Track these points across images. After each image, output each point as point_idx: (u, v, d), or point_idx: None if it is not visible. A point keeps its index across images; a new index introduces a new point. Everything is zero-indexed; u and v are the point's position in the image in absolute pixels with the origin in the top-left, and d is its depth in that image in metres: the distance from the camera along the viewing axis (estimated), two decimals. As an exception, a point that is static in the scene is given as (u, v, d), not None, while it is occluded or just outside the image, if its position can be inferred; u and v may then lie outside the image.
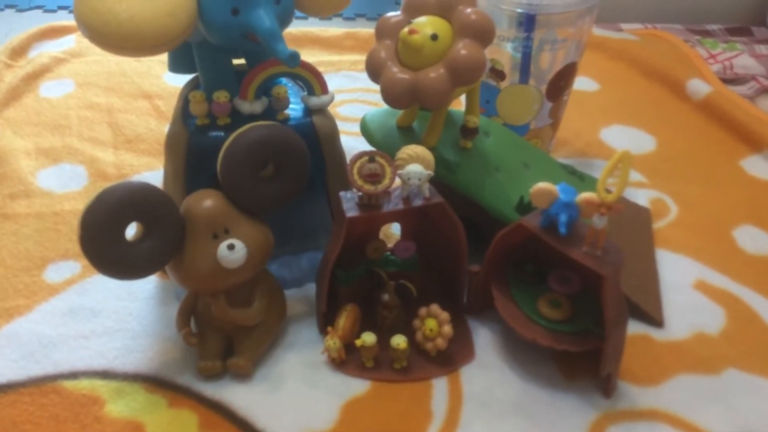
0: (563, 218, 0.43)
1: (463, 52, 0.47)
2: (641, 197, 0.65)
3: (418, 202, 0.47)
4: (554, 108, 0.64)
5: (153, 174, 0.65)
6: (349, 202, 0.47)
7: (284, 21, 0.49)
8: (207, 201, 0.46)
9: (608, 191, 0.42)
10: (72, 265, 0.55)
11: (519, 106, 0.62)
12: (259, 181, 0.47)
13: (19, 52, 0.82)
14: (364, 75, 0.82)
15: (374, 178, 0.45)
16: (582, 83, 0.81)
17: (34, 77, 0.77)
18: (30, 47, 0.83)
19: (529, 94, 0.61)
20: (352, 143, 0.69)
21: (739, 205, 0.64)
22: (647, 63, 0.84)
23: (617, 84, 0.82)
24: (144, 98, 0.75)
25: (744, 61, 0.86)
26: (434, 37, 0.47)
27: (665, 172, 0.68)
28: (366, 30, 0.90)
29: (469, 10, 0.48)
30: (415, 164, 0.46)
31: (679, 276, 0.57)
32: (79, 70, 0.78)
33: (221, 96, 0.50)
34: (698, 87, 0.78)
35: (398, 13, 0.52)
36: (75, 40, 0.83)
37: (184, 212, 0.46)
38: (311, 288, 0.55)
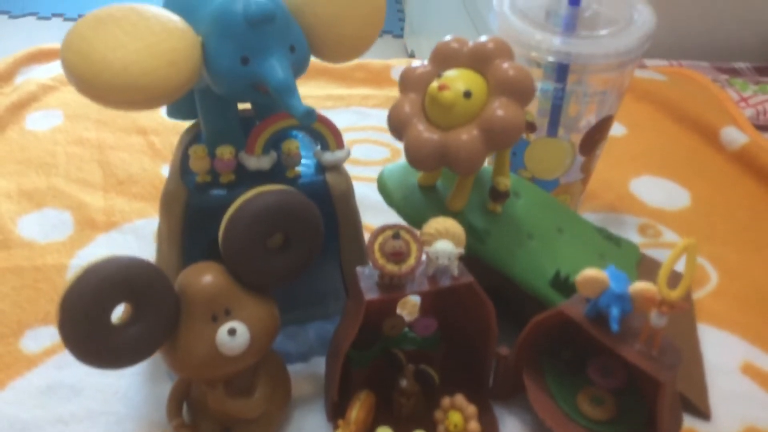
0: (615, 313, 0.37)
1: (499, 112, 0.41)
2: (678, 261, 0.59)
3: (445, 282, 0.41)
4: (586, 162, 0.58)
5: (145, 222, 0.60)
6: (367, 280, 0.41)
7: (299, 70, 0.44)
8: (206, 277, 0.40)
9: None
10: (52, 332, 0.50)
11: (549, 161, 0.57)
12: (266, 253, 0.41)
13: (5, 77, 0.76)
14: (376, 111, 0.78)
15: (398, 257, 0.40)
16: (608, 127, 0.76)
17: (20, 107, 0.71)
18: (17, 72, 0.77)
19: (561, 148, 0.56)
20: (363, 190, 0.64)
21: (783, 272, 0.59)
22: (677, 106, 0.79)
23: (646, 128, 0.76)
24: (138, 133, 0.70)
25: (778, 106, 0.81)
26: (467, 94, 0.42)
27: (702, 231, 0.63)
28: (378, 61, 0.84)
29: (506, 64, 0.43)
30: (445, 241, 0.41)
31: (724, 357, 0.51)
32: (69, 100, 0.73)
33: (225, 152, 0.45)
34: (733, 135, 0.73)
35: (425, 62, 0.47)
36: (65, 66, 0.77)
37: (180, 289, 0.40)
38: (319, 363, 0.50)
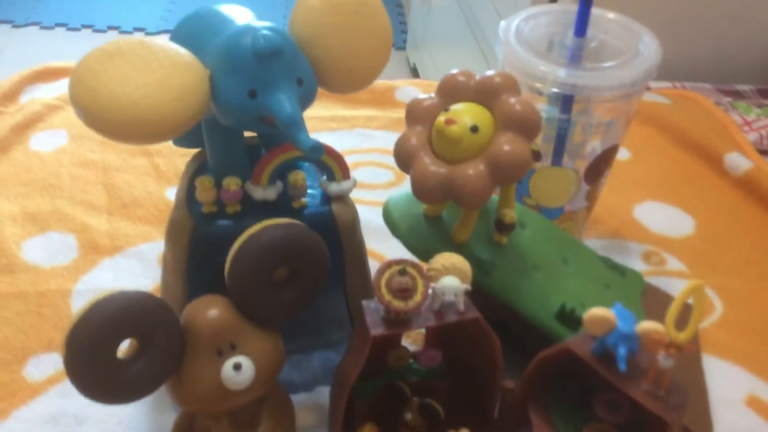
0: (622, 352, 0.37)
1: (506, 147, 0.41)
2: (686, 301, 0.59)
3: (451, 318, 0.41)
4: (591, 191, 0.58)
5: (149, 246, 0.60)
6: (373, 314, 0.41)
7: (306, 102, 0.44)
8: (212, 311, 0.40)
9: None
10: (55, 360, 0.49)
11: (554, 189, 0.57)
12: (272, 288, 0.41)
13: (10, 96, 0.76)
14: (380, 133, 0.78)
15: (405, 293, 0.40)
16: (612, 151, 0.76)
17: (24, 127, 0.71)
18: (22, 91, 0.77)
19: (566, 177, 0.56)
20: (367, 214, 0.64)
21: (788, 302, 0.59)
22: (681, 130, 0.79)
23: (650, 153, 0.76)
24: (143, 155, 0.70)
25: (781, 131, 0.81)
26: (474, 129, 0.42)
27: (706, 259, 0.63)
28: (382, 81, 0.85)
29: (513, 99, 0.43)
30: (451, 277, 0.40)
31: (728, 389, 0.51)
32: (74, 120, 0.72)
33: (232, 183, 0.45)
34: (737, 161, 0.73)
35: (431, 95, 0.47)
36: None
37: (185, 324, 0.40)
38: (323, 393, 0.50)
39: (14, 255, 0.57)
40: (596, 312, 0.38)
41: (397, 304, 0.40)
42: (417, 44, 2.07)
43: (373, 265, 0.58)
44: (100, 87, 0.38)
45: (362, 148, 0.75)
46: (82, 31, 2.31)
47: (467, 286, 0.41)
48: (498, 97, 0.43)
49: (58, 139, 0.71)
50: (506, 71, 0.44)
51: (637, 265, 0.62)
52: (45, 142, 0.70)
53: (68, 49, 2.21)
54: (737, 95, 0.94)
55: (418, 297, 0.40)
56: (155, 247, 0.59)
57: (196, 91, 0.40)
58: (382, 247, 0.61)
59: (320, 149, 0.41)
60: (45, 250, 0.58)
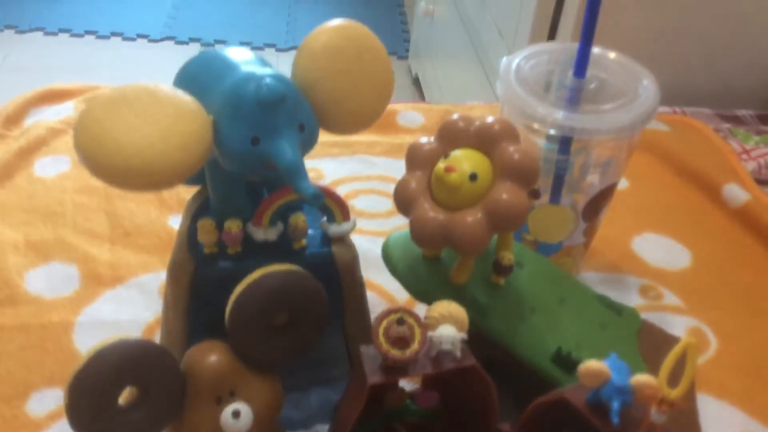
0: (615, 406, 0.38)
1: (504, 196, 0.42)
2: (679, 326, 0.60)
3: (448, 365, 0.42)
4: (589, 227, 0.59)
5: (150, 276, 0.60)
6: (371, 361, 0.42)
7: (307, 147, 0.45)
8: (211, 358, 0.41)
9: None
10: (57, 395, 0.50)
11: (553, 226, 0.58)
12: (271, 334, 0.42)
13: (14, 119, 0.76)
14: (382, 160, 0.79)
15: (402, 342, 0.40)
16: (611, 180, 0.77)
17: (28, 152, 0.71)
18: (26, 114, 0.78)
19: (564, 215, 0.57)
20: (367, 245, 0.65)
21: (781, 340, 0.60)
22: (680, 159, 0.79)
23: (649, 182, 0.77)
24: (145, 182, 0.70)
25: (779, 160, 0.82)
26: (473, 176, 0.43)
27: (703, 293, 0.64)
28: (384, 106, 0.85)
29: (512, 148, 0.43)
30: (448, 326, 0.41)
31: (722, 429, 0.52)
32: (77, 145, 0.73)
33: (233, 226, 0.45)
34: (735, 193, 0.73)
35: (430, 139, 0.47)
36: (73, 107, 0.78)
37: (186, 370, 0.40)
38: (321, 431, 0.50)
39: (17, 285, 0.57)
40: (591, 365, 0.39)
41: (395, 353, 0.40)
42: (419, 54, 2.08)
43: (372, 298, 0.59)
44: (105, 136, 0.38)
45: (363, 174, 0.75)
46: (85, 37, 2.32)
47: (464, 335, 0.41)
48: (497, 145, 0.44)
49: (61, 164, 0.71)
50: (504, 118, 0.45)
51: (635, 299, 0.62)
52: (48, 167, 0.71)
53: (72, 54, 2.22)
54: (737, 121, 0.94)
55: (415, 346, 0.41)
56: (156, 277, 0.60)
57: (200, 140, 0.40)
58: (381, 278, 0.61)
59: (321, 197, 0.42)
60: (47, 281, 0.59)
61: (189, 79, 0.47)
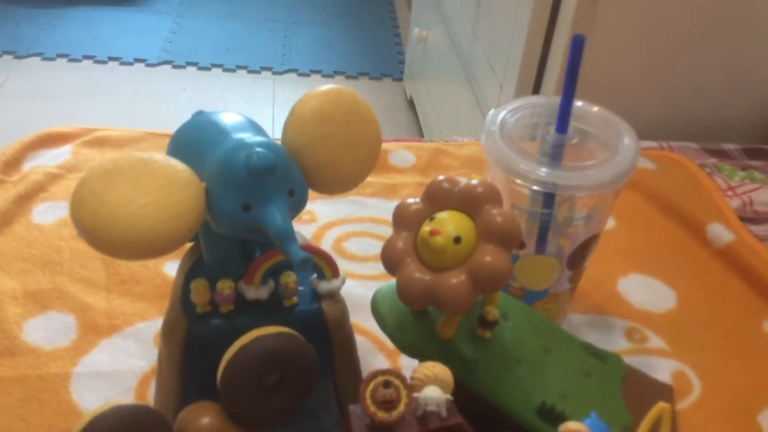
0: (595, 467, 0.39)
1: (487, 259, 0.44)
2: (663, 370, 0.61)
3: (434, 424, 0.43)
4: (574, 275, 0.60)
5: (146, 324, 0.62)
6: (359, 421, 0.43)
7: (297, 210, 0.46)
8: (204, 420, 0.42)
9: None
10: (55, 449, 0.51)
11: (538, 274, 0.59)
12: (263, 396, 0.43)
13: (12, 164, 0.78)
14: (374, 201, 0.81)
15: (389, 404, 0.42)
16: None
17: (27, 198, 0.73)
18: (25, 158, 0.79)
19: (549, 264, 0.58)
20: (357, 290, 0.66)
21: (763, 383, 0.61)
22: (665, 197, 0.81)
23: (635, 221, 0.79)
24: (141, 227, 0.71)
25: (764, 197, 0.84)
26: (457, 240, 0.44)
27: (687, 336, 0.65)
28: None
29: (495, 211, 0.45)
30: (433, 387, 0.43)
31: (705, 476, 0.53)
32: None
33: (225, 287, 0.47)
34: (719, 232, 0.75)
35: (417, 200, 0.49)
36: (71, 151, 0.80)
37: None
38: (311, 481, 0.51)
39: (16, 336, 0.59)
40: (570, 426, 0.40)
41: (382, 415, 0.42)
42: (413, 76, 2.10)
43: (362, 342, 0.61)
44: (101, 209, 0.40)
45: (355, 216, 0.77)
46: (83, 62, 2.34)
47: (449, 396, 0.43)
48: (480, 208, 0.45)
49: (58, 210, 0.73)
50: (489, 182, 0.47)
51: (620, 342, 0.64)
52: (46, 213, 0.72)
53: (69, 79, 2.24)
54: (723, 155, 0.96)
55: (401, 408, 0.42)
56: (152, 326, 0.61)
57: (193, 208, 0.42)
58: (371, 323, 0.62)
59: (309, 262, 0.43)
60: (45, 331, 0.60)
61: (183, 143, 0.48)
